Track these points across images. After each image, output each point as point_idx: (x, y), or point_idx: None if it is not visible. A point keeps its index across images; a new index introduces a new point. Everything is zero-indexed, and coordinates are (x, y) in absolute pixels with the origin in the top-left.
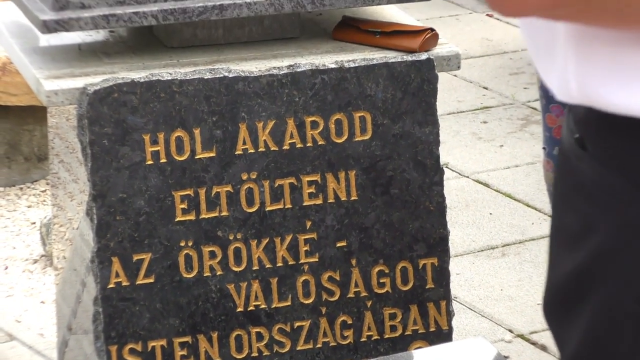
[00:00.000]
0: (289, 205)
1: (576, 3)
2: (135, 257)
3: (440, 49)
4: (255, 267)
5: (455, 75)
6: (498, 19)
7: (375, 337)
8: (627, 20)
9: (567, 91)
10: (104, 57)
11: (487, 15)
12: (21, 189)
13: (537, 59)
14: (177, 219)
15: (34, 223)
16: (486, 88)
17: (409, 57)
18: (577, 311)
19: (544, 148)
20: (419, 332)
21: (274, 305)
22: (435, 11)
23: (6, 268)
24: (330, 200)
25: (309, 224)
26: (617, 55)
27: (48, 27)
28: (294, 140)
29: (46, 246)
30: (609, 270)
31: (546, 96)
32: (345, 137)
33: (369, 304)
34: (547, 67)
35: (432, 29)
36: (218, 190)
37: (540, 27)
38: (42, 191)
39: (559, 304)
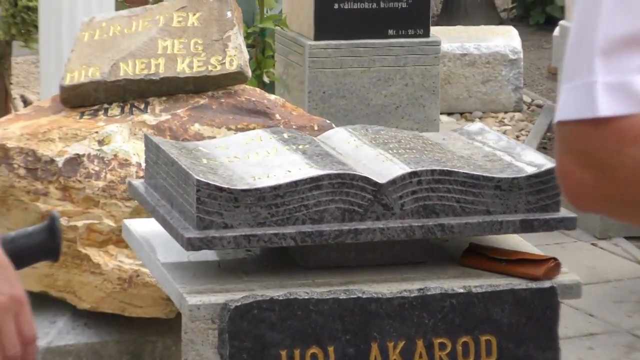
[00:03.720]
0: None
1: None
2: None
3: (562, 278)
4: None
5: (562, 302)
6: (602, 248)
7: None
8: None
9: None
10: (242, 274)
11: (592, 244)
12: None
13: None
14: None
15: None
16: (591, 315)
17: (533, 285)
18: None
19: None
20: None
21: None
22: (541, 239)
23: None
24: None
25: None
26: None
27: (192, 245)
28: None
29: None
30: None
31: None
32: (471, 359)
33: None
34: None
35: (555, 259)
36: None
37: None
38: None
39: None
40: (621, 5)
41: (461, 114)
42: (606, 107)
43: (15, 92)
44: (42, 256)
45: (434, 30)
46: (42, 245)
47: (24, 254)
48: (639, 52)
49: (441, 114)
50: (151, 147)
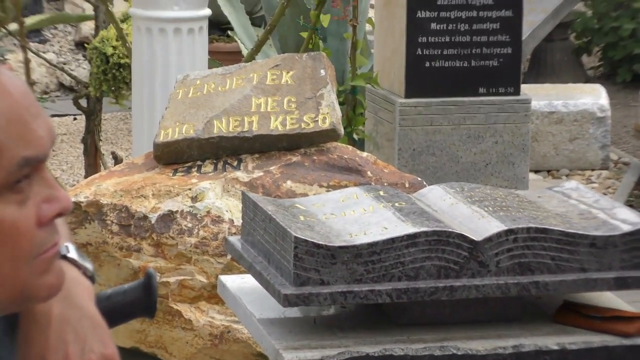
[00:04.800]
0: None
1: None
2: None
3: None
4: None
5: None
6: None
7: None
8: None
9: None
10: (337, 330)
11: None
12: None
13: None
14: None
15: None
16: None
17: (626, 342)
18: None
19: None
20: None
21: None
22: (630, 296)
23: None
24: None
25: None
26: None
27: (289, 301)
28: None
29: None
30: None
31: None
32: None
33: None
34: None
35: None
36: None
37: None
38: None
39: None
40: None
41: (548, 171)
42: None
43: (104, 148)
44: (138, 313)
45: (522, 87)
46: (138, 303)
47: (119, 312)
48: None
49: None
50: (248, 204)
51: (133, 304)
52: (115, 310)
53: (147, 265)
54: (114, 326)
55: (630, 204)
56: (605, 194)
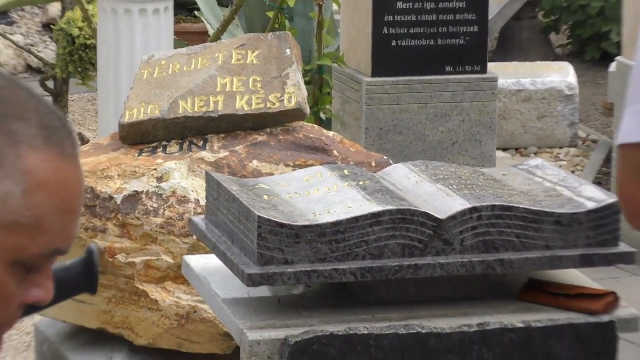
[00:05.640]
0: None
1: None
2: None
3: (621, 312)
4: None
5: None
6: None
7: None
8: None
9: None
10: (302, 310)
11: None
12: None
13: None
14: None
15: None
16: None
17: (592, 319)
18: None
19: None
20: None
21: None
22: (597, 273)
23: None
24: None
25: None
26: None
27: (253, 281)
28: None
29: None
30: None
31: None
32: None
33: None
34: None
35: (613, 293)
36: None
37: None
38: None
39: None
40: None
41: (516, 149)
42: None
43: None
44: (80, 289)
45: (490, 66)
46: (80, 279)
47: (62, 288)
48: None
49: (496, 149)
50: (212, 184)
51: (75, 280)
52: (59, 287)
53: (113, 245)
54: (56, 302)
55: (598, 182)
56: (573, 171)
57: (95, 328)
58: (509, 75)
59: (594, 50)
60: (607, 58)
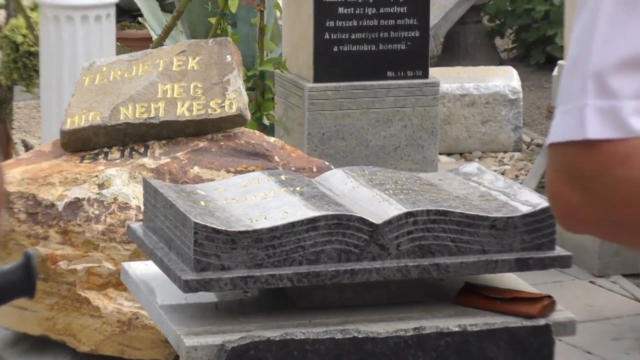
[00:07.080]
0: None
1: (629, 224)
2: None
3: (557, 315)
4: None
5: (560, 340)
6: (600, 286)
7: None
8: None
9: None
10: (239, 315)
11: (590, 282)
12: None
13: None
14: None
15: None
16: (589, 353)
17: (528, 323)
18: None
19: None
20: None
21: None
22: (539, 277)
23: None
24: None
25: None
26: None
27: (190, 287)
28: None
29: None
30: None
31: None
32: None
33: None
34: None
35: (549, 296)
36: None
37: None
38: None
39: None
40: (615, 31)
41: (461, 154)
42: (594, 130)
43: (16, 137)
44: (19, 294)
45: (434, 71)
46: (18, 284)
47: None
48: (632, 76)
49: (441, 154)
50: (149, 191)
51: (13, 285)
52: None
53: (55, 252)
54: None
55: (542, 186)
56: (517, 175)
57: (38, 335)
58: (453, 80)
59: (539, 54)
60: (552, 62)
